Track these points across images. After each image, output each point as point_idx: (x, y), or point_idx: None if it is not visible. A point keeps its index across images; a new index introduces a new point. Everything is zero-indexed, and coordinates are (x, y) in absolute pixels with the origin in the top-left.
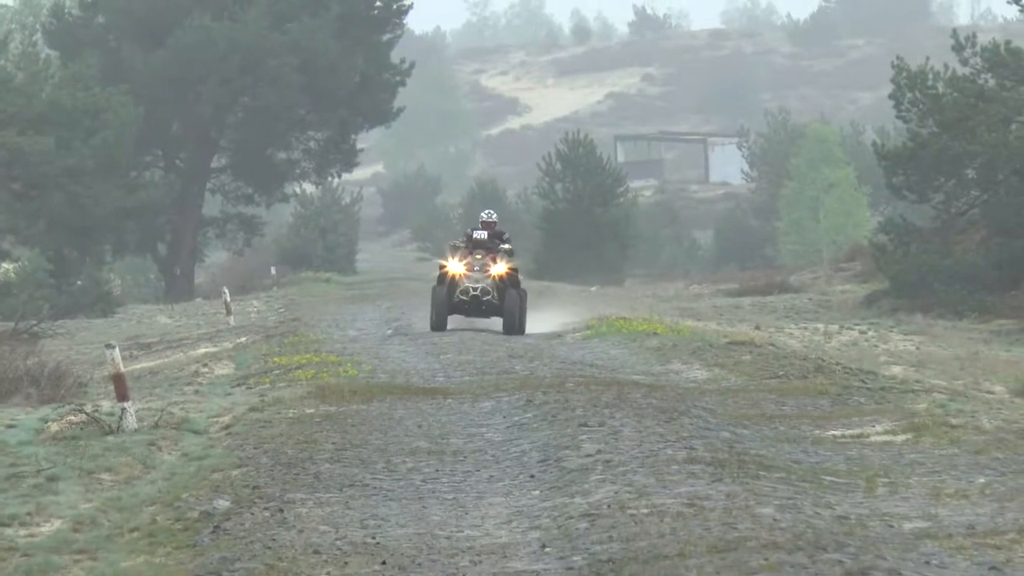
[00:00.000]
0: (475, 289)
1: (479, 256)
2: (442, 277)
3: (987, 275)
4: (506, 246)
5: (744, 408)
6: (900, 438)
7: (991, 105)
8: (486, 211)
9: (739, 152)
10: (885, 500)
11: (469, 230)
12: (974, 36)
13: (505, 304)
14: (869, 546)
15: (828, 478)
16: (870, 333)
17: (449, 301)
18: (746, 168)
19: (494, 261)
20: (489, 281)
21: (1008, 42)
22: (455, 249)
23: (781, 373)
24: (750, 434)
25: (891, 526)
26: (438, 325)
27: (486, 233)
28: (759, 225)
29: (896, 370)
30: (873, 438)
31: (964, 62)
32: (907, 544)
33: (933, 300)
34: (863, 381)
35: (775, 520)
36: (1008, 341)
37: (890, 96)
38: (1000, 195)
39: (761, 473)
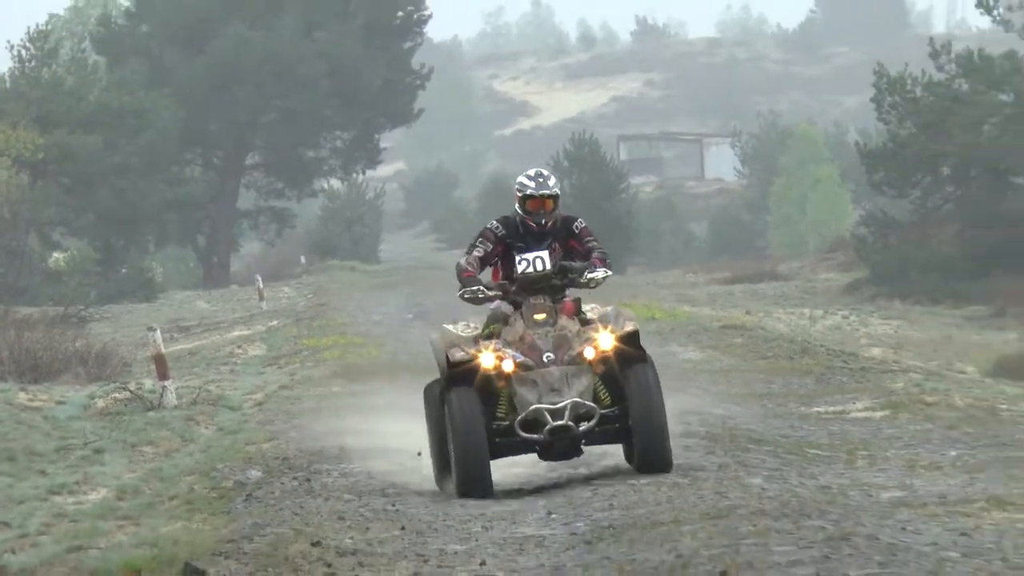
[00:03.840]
0: (558, 413)
1: (541, 314)
2: (456, 379)
3: (961, 265)
4: (596, 273)
5: (736, 387)
6: (879, 414)
7: (965, 108)
8: (535, 171)
9: (732, 151)
10: (864, 471)
11: (496, 226)
12: (949, 44)
13: (634, 414)
14: (849, 514)
15: (812, 451)
16: (852, 318)
17: (491, 438)
18: (739, 166)
19: (577, 318)
20: (585, 380)
21: (981, 50)
22: (477, 294)
23: (770, 354)
24: (741, 411)
25: (870, 495)
26: (473, 487)
27: (545, 257)
28: (751, 219)
29: (875, 352)
30: (854, 414)
31: (940, 68)
32: (884, 512)
33: (910, 288)
34: (845, 362)
35: (763, 489)
36: (979, 326)
37: (872, 99)
38: (973, 191)
39: (751, 446)
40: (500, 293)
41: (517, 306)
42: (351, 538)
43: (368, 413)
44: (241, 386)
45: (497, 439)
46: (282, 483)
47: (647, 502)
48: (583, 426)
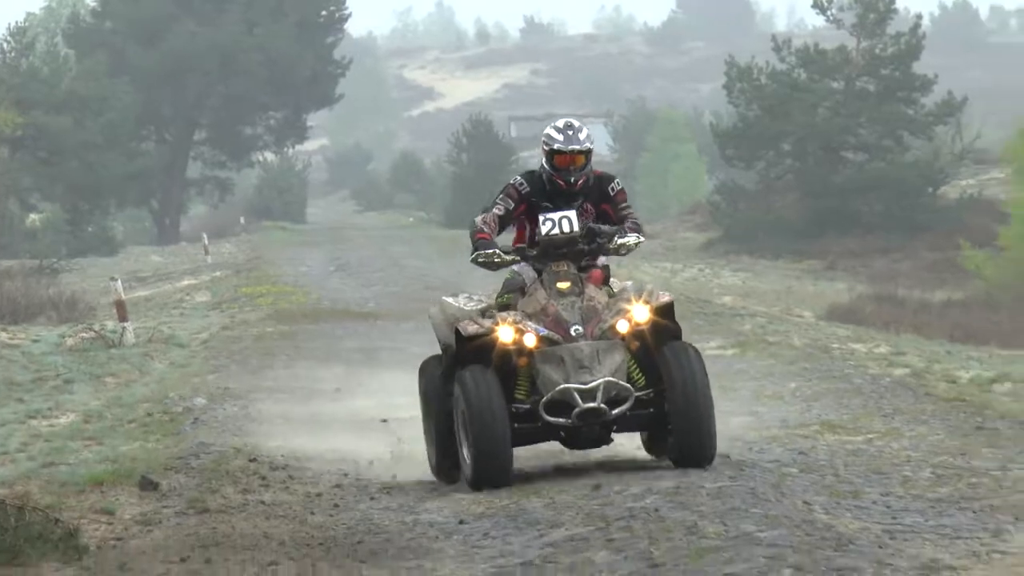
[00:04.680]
0: (588, 394)
1: (565, 282)
2: (469, 357)
3: (799, 226)
4: (628, 238)
5: None
6: (730, 352)
7: (803, 94)
8: (563, 122)
9: (606, 130)
10: (718, 400)
11: (519, 182)
12: (790, 40)
13: (675, 399)
14: None
15: None
16: (707, 271)
17: (511, 424)
18: (611, 143)
19: (603, 286)
20: (618, 357)
21: (816, 44)
22: (492, 258)
23: None
24: None
25: (721, 420)
26: (492, 478)
27: (573, 217)
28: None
29: (727, 299)
30: (708, 352)
31: (782, 60)
32: (735, 434)
33: (757, 245)
34: (701, 308)
35: None
36: (815, 277)
37: (724, 87)
38: (809, 164)
39: None
40: (518, 257)
41: (540, 270)
42: (282, 455)
43: (297, 350)
44: (189, 327)
45: (516, 424)
46: (224, 409)
47: None
48: (616, 410)
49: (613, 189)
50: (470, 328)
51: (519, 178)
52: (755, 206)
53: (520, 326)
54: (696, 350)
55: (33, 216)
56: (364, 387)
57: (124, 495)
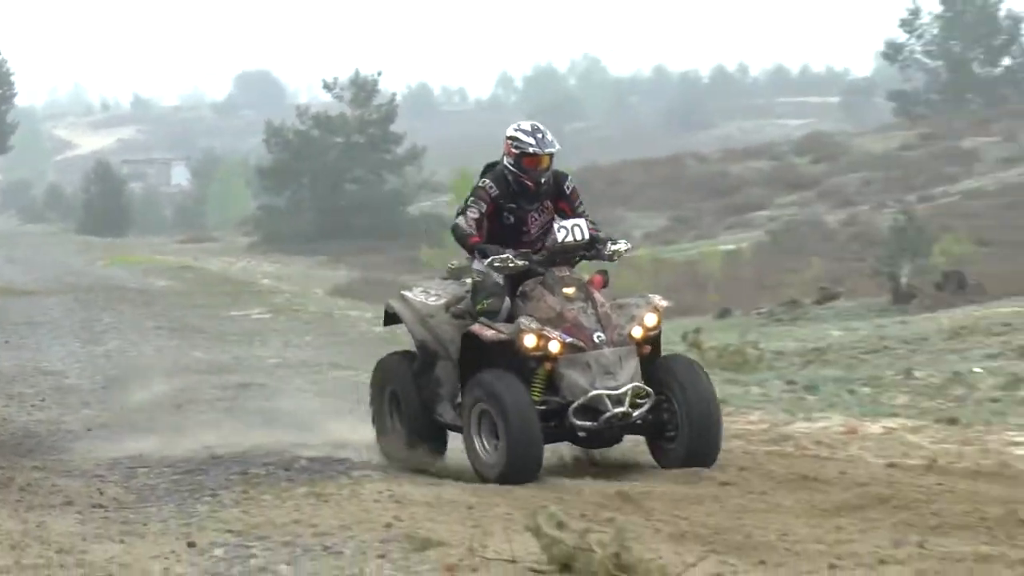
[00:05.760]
0: (618, 400)
1: (570, 288)
2: (469, 358)
3: (314, 233)
4: (619, 245)
5: (187, 300)
6: (268, 316)
7: (316, 145)
8: (530, 125)
9: (187, 169)
10: (258, 348)
11: (489, 184)
12: (308, 109)
13: (689, 403)
14: (250, 370)
15: (230, 337)
16: (252, 263)
17: (541, 424)
18: (190, 178)
19: (601, 287)
20: (635, 362)
21: (326, 112)
22: (507, 264)
23: (208, 283)
24: (190, 313)
25: (261, 360)
26: (526, 474)
27: (583, 225)
28: (197, 207)
29: (265, 281)
30: (254, 316)
31: (303, 123)
32: (269, 370)
33: (285, 246)
34: (248, 287)
35: (201, 357)
36: (324, 267)
37: (264, 140)
38: (321, 192)
39: (195, 334)
40: (527, 263)
41: (518, 279)
42: None
43: None
44: None
45: (552, 430)
46: None
47: (139, 365)
48: (638, 410)
49: (568, 187)
50: (487, 333)
51: (488, 181)
52: (284, 219)
53: (543, 332)
54: (698, 363)
55: None
56: (25, 340)
57: None
